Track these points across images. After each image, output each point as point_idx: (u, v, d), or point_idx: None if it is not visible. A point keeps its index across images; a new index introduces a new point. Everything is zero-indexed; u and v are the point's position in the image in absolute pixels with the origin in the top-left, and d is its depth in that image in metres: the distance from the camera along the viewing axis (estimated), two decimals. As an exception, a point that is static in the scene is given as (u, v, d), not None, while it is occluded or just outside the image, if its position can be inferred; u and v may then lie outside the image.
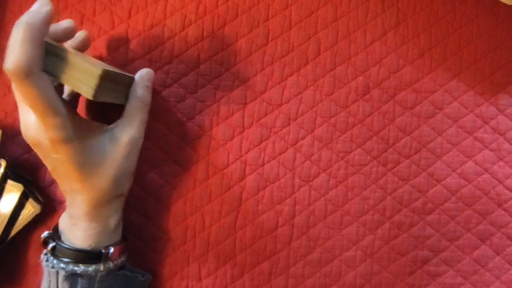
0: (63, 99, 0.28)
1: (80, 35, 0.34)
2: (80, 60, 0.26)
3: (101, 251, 0.31)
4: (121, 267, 0.33)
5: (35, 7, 0.26)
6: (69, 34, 0.33)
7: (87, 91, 0.26)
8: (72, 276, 0.30)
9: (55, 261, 0.30)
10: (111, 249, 0.31)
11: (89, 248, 0.31)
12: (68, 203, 0.32)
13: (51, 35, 0.31)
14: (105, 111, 0.38)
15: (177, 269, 0.37)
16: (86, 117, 0.37)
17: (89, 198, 0.30)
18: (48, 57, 0.26)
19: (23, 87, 0.24)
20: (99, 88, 0.26)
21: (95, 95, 0.26)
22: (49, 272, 0.31)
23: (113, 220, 0.32)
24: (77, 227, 0.31)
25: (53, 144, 0.28)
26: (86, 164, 0.29)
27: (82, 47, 0.35)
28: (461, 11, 0.39)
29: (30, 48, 0.24)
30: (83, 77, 0.26)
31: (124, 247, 0.34)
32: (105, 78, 0.27)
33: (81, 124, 0.30)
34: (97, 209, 0.31)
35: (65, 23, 0.32)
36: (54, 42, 0.28)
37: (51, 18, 0.26)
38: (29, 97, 0.25)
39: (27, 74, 0.24)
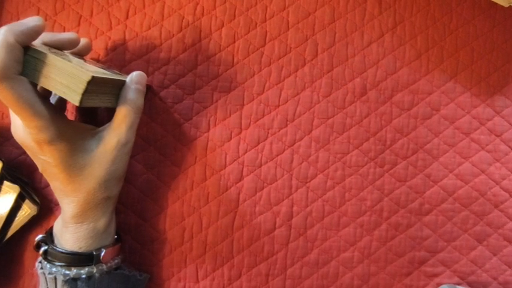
0: (47, 101, 0.28)
1: (82, 41, 0.34)
2: (69, 65, 0.26)
3: (92, 253, 0.31)
4: (117, 269, 0.33)
5: (25, 19, 0.26)
6: (71, 45, 0.33)
7: (73, 97, 0.26)
8: (71, 281, 0.30)
9: (48, 266, 0.30)
10: (103, 251, 0.31)
11: (80, 251, 0.31)
12: (60, 205, 0.32)
13: (54, 43, 0.31)
14: (97, 112, 0.38)
15: (174, 270, 0.37)
16: (76, 119, 0.37)
17: (77, 199, 0.30)
18: (33, 63, 0.26)
19: None
20: (86, 94, 0.26)
21: (82, 101, 0.26)
22: (46, 279, 0.31)
23: (102, 222, 0.32)
24: (67, 230, 0.31)
25: (39, 146, 0.28)
26: (72, 166, 0.29)
27: (82, 53, 0.35)
28: (457, 13, 0.40)
29: (4, 54, 0.24)
30: (69, 82, 0.26)
31: (117, 249, 0.34)
32: (94, 84, 0.26)
33: (67, 126, 0.30)
34: (85, 211, 0.31)
35: (69, 35, 0.32)
36: (42, 47, 0.28)
37: (37, 32, 0.27)
38: (6, 100, 0.26)
39: (0, 77, 0.24)
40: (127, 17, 0.38)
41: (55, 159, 0.29)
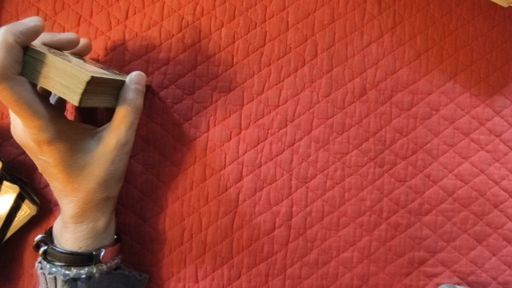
0: (46, 102, 0.28)
1: (81, 42, 0.34)
2: (68, 65, 0.26)
3: (91, 253, 0.31)
4: (117, 269, 0.33)
5: (24, 20, 0.26)
6: (70, 46, 0.33)
7: (73, 98, 0.26)
8: (71, 281, 0.30)
9: (48, 266, 0.30)
10: (103, 251, 0.31)
11: (80, 251, 0.31)
12: (59, 205, 0.32)
13: (54, 43, 0.31)
14: (97, 113, 0.38)
15: (173, 270, 0.37)
16: (76, 119, 0.37)
17: (76, 199, 0.30)
18: (32, 63, 0.26)
19: None
20: (86, 94, 0.26)
21: (81, 102, 0.26)
22: (46, 279, 0.31)
23: (102, 222, 0.32)
24: (66, 230, 0.31)
25: (38, 146, 0.28)
26: (71, 166, 0.29)
27: (82, 53, 0.35)
28: (457, 13, 0.40)
29: (3, 54, 0.24)
30: (69, 82, 0.26)
31: (117, 249, 0.34)
32: (93, 84, 0.26)
33: (67, 126, 0.30)
34: (85, 211, 0.31)
35: (68, 35, 0.32)
36: (41, 48, 0.28)
37: (36, 33, 0.26)
38: (6, 100, 0.26)
39: (0, 78, 0.24)
40: (127, 17, 0.38)
41: (54, 160, 0.29)
